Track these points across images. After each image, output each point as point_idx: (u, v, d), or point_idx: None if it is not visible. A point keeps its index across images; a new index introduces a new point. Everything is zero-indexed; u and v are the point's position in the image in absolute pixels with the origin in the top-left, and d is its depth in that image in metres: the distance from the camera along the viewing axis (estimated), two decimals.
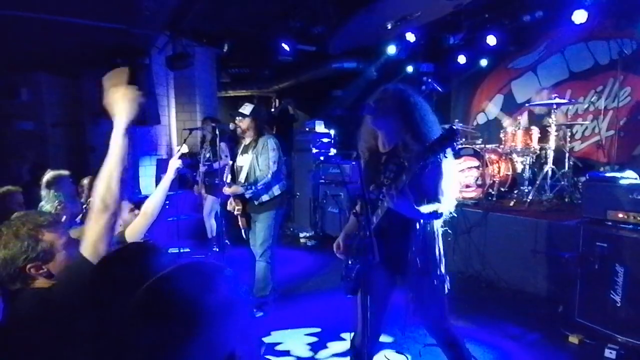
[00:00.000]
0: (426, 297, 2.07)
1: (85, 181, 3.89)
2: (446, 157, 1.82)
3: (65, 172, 3.25)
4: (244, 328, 0.87)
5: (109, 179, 1.39)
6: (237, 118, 3.73)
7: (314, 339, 3.24)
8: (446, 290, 2.08)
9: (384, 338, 3.02)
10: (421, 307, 2.10)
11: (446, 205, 1.98)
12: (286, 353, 3.07)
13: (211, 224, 5.48)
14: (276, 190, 3.67)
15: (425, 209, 1.92)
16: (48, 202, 3.08)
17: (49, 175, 3.11)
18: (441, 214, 2.03)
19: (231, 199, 3.73)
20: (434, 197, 1.94)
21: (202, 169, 5.40)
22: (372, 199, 1.93)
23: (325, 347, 3.15)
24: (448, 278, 2.09)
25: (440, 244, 2.10)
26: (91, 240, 1.37)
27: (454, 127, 1.88)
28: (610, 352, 2.80)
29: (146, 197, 3.92)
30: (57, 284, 1.39)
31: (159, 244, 1.26)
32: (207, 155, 5.37)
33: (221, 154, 4.90)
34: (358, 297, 1.93)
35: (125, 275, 1.12)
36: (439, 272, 2.07)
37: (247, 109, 3.71)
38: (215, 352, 0.80)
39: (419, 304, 2.09)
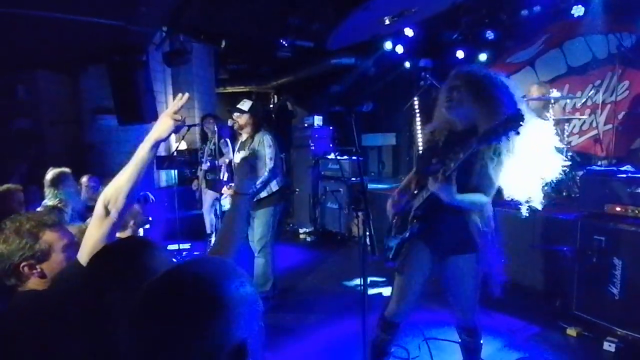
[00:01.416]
0: (459, 280, 2.05)
1: (84, 179, 3.92)
2: (509, 141, 1.73)
3: (67, 170, 3.26)
4: (254, 319, 0.88)
5: (120, 187, 1.39)
6: (234, 114, 3.73)
7: (316, 339, 3.20)
8: (496, 292, 2.04)
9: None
10: (458, 285, 2.07)
11: (489, 198, 1.95)
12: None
13: (211, 219, 5.48)
14: (274, 186, 3.67)
15: (467, 198, 1.88)
16: (51, 200, 3.09)
17: (51, 173, 3.12)
18: (485, 207, 2.01)
19: (230, 195, 3.74)
20: (480, 188, 1.91)
21: (204, 166, 5.39)
22: (434, 170, 1.88)
23: (326, 336, 3.18)
24: (502, 282, 2.05)
25: (488, 235, 2.06)
26: (90, 247, 1.34)
27: (520, 109, 1.75)
28: (609, 345, 2.82)
29: (145, 194, 3.93)
30: (50, 288, 1.38)
31: (154, 240, 1.25)
32: (212, 148, 5.34)
33: (223, 150, 4.90)
34: (397, 266, 2.06)
35: (121, 270, 1.11)
36: (475, 259, 2.03)
37: (245, 105, 3.71)
38: (226, 341, 0.80)
39: (452, 286, 2.08)
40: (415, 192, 1.97)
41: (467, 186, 1.88)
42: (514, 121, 1.62)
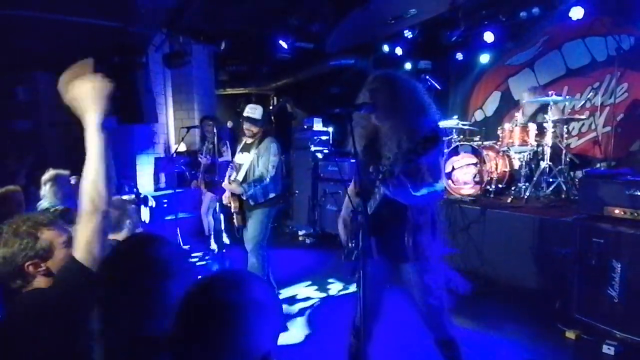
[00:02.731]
0: (422, 284, 2.01)
1: (74, 181, 3.83)
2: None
3: (64, 172, 3.26)
4: (277, 329, 0.90)
5: (95, 179, 1.36)
6: (245, 125, 3.66)
7: (315, 342, 3.22)
8: (451, 287, 2.06)
9: None
10: (417, 295, 2.04)
11: (440, 185, 1.98)
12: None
13: (209, 221, 5.48)
14: (271, 194, 3.68)
15: (422, 192, 1.90)
16: (46, 200, 3.09)
17: (49, 174, 3.12)
18: (439, 196, 2.02)
19: (228, 194, 3.73)
20: (430, 180, 1.93)
21: (203, 160, 5.34)
22: (371, 180, 1.91)
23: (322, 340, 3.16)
24: (460, 277, 2.05)
25: (439, 230, 2.06)
26: (84, 243, 1.34)
27: (437, 128, 1.89)
28: (609, 348, 2.82)
29: (145, 196, 3.92)
30: (53, 286, 1.38)
31: (162, 235, 1.26)
32: (210, 147, 5.33)
33: (222, 151, 4.90)
34: (357, 280, 1.97)
35: (131, 267, 1.14)
36: (436, 260, 2.02)
37: (257, 112, 3.63)
38: (252, 354, 0.83)
39: (415, 292, 2.04)
40: (359, 205, 1.94)
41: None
42: (432, 141, 1.69)
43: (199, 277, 0.98)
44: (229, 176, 3.86)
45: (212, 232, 5.41)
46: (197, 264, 5.14)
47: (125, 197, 3.53)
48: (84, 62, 1.40)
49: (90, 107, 1.37)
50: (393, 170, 1.79)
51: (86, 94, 1.37)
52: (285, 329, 3.05)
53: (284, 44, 6.46)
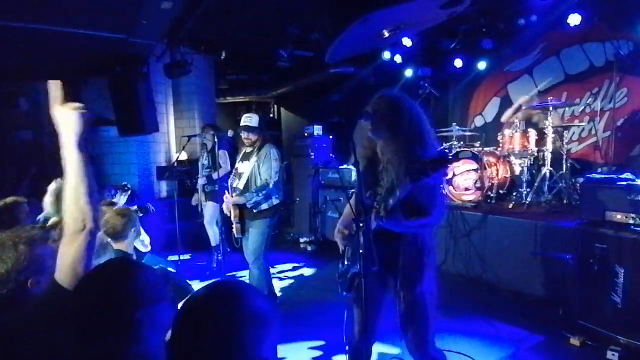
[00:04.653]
0: (410, 311, 1.97)
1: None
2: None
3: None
4: (276, 340, 0.91)
5: (76, 198, 1.33)
6: (243, 134, 3.69)
7: (318, 353, 3.20)
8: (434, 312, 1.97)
9: (390, 349, 3.01)
10: (405, 322, 1.99)
11: (437, 216, 1.95)
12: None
13: (214, 232, 5.39)
14: (275, 200, 3.69)
15: (416, 222, 1.90)
16: (50, 213, 3.09)
17: (57, 184, 3.12)
18: (433, 226, 2.00)
19: (229, 205, 3.74)
20: (425, 210, 1.90)
21: (201, 181, 5.35)
22: (369, 205, 1.91)
23: (327, 351, 3.15)
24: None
25: (434, 259, 2.03)
26: (67, 265, 1.29)
27: (446, 150, 1.91)
28: (613, 354, 2.79)
29: (146, 205, 3.93)
30: (35, 311, 1.30)
31: (138, 260, 1.23)
32: (205, 163, 5.36)
33: (220, 162, 4.89)
34: (353, 296, 2.05)
35: (108, 294, 1.08)
36: (428, 289, 1.97)
37: (253, 121, 3.65)
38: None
39: (403, 318, 1.99)
40: (361, 223, 1.90)
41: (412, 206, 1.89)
42: (441, 162, 1.71)
43: (196, 289, 0.98)
44: (231, 185, 3.86)
45: (220, 243, 5.28)
46: (204, 272, 5.12)
47: (133, 207, 3.53)
48: (54, 83, 1.43)
49: (66, 128, 1.39)
50: (388, 204, 1.82)
51: (61, 116, 1.41)
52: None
53: (283, 53, 6.51)
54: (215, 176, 4.93)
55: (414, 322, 1.98)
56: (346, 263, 2.15)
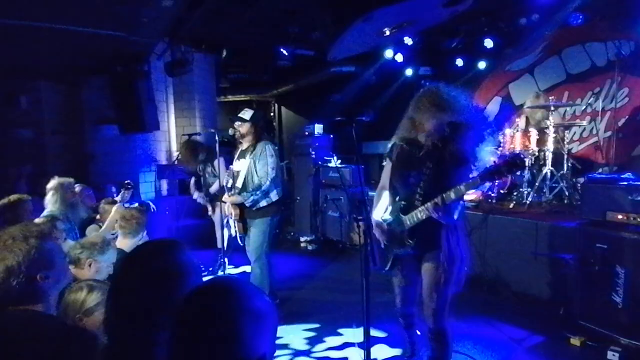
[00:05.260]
0: (434, 286, 2.22)
1: (78, 189, 3.74)
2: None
3: (70, 180, 3.29)
4: (273, 332, 0.92)
5: None
6: (236, 122, 3.74)
7: (311, 334, 3.29)
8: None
9: (377, 333, 3.16)
10: (427, 282, 2.25)
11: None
12: (284, 347, 3.11)
13: (222, 233, 5.07)
14: (274, 196, 3.67)
15: (459, 209, 2.17)
16: (51, 210, 3.10)
17: (55, 181, 3.14)
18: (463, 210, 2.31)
19: (229, 205, 3.73)
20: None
21: (197, 197, 5.14)
22: (411, 184, 2.17)
23: (323, 341, 3.21)
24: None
25: (463, 234, 2.31)
26: None
27: (522, 155, 2.15)
28: (613, 355, 2.79)
29: (144, 201, 3.92)
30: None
31: (179, 241, 1.26)
32: (209, 169, 4.99)
33: (215, 172, 4.67)
34: (393, 275, 2.39)
35: (147, 271, 1.14)
36: (452, 268, 2.22)
37: (247, 114, 3.72)
38: (251, 353, 0.85)
39: (427, 278, 2.25)
40: (402, 211, 2.22)
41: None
42: (517, 165, 1.86)
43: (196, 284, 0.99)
44: (226, 184, 3.87)
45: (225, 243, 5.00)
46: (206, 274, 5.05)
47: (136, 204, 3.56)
48: None
49: None
50: (441, 198, 2.01)
51: None
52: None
53: (284, 52, 6.50)
54: (215, 187, 4.82)
55: (437, 291, 2.22)
56: (388, 247, 2.36)
